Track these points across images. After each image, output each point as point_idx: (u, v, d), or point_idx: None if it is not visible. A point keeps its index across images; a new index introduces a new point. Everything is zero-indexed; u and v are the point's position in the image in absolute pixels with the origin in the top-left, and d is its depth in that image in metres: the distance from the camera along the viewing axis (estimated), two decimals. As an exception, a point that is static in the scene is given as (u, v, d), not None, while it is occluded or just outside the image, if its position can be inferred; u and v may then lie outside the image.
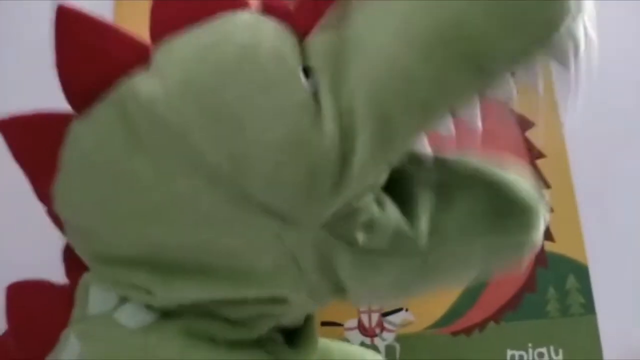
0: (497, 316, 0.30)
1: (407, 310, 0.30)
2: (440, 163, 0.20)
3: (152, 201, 0.18)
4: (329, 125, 0.17)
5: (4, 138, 0.21)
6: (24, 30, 0.35)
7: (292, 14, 0.19)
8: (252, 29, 0.19)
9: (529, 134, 0.34)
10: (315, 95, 0.17)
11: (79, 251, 0.21)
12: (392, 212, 0.19)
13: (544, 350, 0.30)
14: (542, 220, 0.20)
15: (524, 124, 0.34)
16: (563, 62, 0.17)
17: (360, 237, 0.18)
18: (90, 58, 0.19)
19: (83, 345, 0.20)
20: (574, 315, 0.31)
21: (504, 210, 0.20)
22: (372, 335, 0.29)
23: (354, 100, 0.17)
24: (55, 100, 0.28)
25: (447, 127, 0.17)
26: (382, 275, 0.19)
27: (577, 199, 0.32)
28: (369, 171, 0.17)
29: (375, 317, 0.30)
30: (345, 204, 0.18)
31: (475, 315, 0.30)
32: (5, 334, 0.23)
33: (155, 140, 0.18)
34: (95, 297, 0.21)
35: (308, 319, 0.23)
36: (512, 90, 0.17)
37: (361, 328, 0.30)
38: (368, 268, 0.19)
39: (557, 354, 0.30)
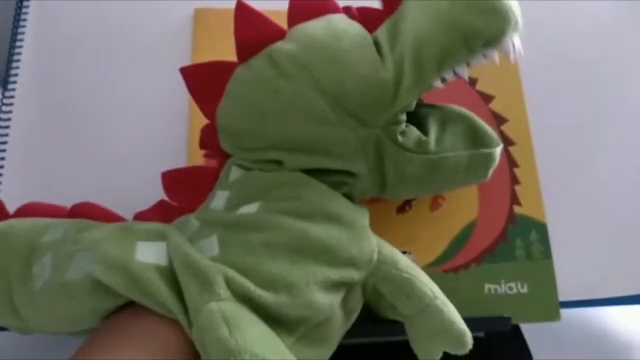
0: (478, 259, 0.38)
1: (411, 253, 0.38)
2: (438, 107, 0.33)
3: (287, 106, 0.29)
4: (389, 68, 0.28)
5: (184, 78, 0.31)
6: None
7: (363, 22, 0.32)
8: (345, 22, 0.31)
9: (503, 127, 0.43)
10: (380, 54, 0.29)
11: (228, 148, 0.32)
12: (414, 128, 0.30)
13: (513, 284, 0.38)
14: (499, 145, 0.33)
15: (499, 119, 0.42)
16: (507, 54, 0.29)
17: (399, 136, 0.29)
18: (253, 32, 0.31)
19: (231, 191, 0.30)
20: (536, 259, 0.39)
21: (476, 135, 0.32)
22: None
23: (403, 54, 0.28)
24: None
25: (450, 77, 0.29)
26: (410, 166, 0.30)
27: (539, 175, 0.41)
28: (410, 94, 0.28)
29: (386, 257, 0.39)
30: (394, 115, 0.29)
31: (461, 258, 0.38)
32: (163, 200, 0.33)
33: (292, 71, 0.29)
34: (236, 171, 0.32)
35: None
36: (482, 62, 0.29)
37: None
38: (402, 160, 0.30)
39: (522, 287, 0.38)
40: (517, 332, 0.42)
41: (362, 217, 0.30)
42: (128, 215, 0.34)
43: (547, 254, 0.39)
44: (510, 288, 0.38)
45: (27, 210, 0.34)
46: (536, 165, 0.41)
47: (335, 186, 0.30)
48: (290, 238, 0.27)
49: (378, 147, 0.30)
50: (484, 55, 0.29)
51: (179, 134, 0.40)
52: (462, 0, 0.28)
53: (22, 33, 0.43)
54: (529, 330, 0.42)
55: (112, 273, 0.25)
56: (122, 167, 0.40)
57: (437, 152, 0.30)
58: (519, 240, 0.39)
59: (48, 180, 0.40)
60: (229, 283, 0.25)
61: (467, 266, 0.38)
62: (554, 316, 0.38)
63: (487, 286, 0.38)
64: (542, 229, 0.40)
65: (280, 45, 0.30)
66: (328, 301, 0.28)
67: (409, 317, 0.32)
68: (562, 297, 0.38)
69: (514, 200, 0.40)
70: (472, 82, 0.43)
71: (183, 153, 0.40)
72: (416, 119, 0.32)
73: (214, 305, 0.23)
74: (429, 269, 0.38)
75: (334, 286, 0.28)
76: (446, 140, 0.31)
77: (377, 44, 0.30)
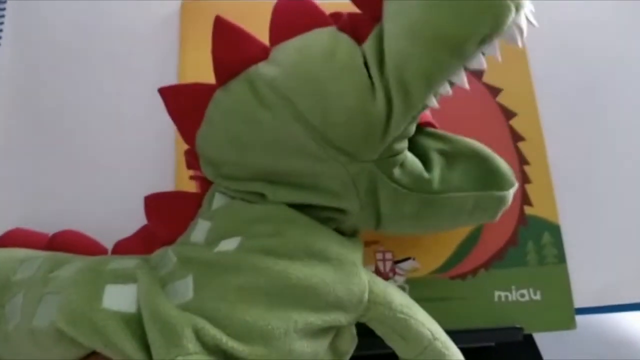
0: (487, 264, 0.36)
1: (414, 259, 0.36)
2: (448, 139, 0.29)
3: (269, 138, 0.27)
4: (380, 98, 0.25)
5: (163, 100, 0.29)
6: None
7: (354, 32, 0.28)
8: (333, 39, 0.27)
9: (512, 121, 0.41)
10: (371, 79, 0.26)
11: (210, 175, 0.30)
12: (416, 162, 0.27)
13: (525, 291, 0.36)
14: (514, 186, 0.29)
15: (508, 113, 0.40)
16: (513, 42, 0.25)
17: (396, 172, 0.27)
18: (232, 52, 0.28)
19: (213, 222, 0.27)
20: (549, 264, 0.36)
21: (489, 175, 0.28)
22: (386, 278, 0.35)
23: (389, 80, 0.24)
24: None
25: (446, 91, 0.25)
26: (407, 204, 0.27)
27: (551, 173, 0.38)
28: (401, 124, 0.25)
29: (388, 264, 0.36)
30: (387, 148, 0.26)
31: (469, 264, 0.36)
32: (144, 227, 0.31)
33: (274, 101, 0.27)
34: (219, 199, 0.30)
35: (354, 234, 0.30)
36: (483, 63, 0.25)
37: (377, 272, 0.36)
38: (399, 197, 0.27)
39: (535, 294, 0.36)
40: (529, 340, 0.40)
41: (351, 251, 0.27)
42: (110, 231, 0.32)
43: (561, 257, 0.37)
44: (522, 295, 0.36)
45: (9, 239, 0.33)
46: (548, 162, 0.39)
47: (322, 222, 0.28)
48: (268, 280, 0.25)
49: (371, 182, 0.27)
50: (483, 53, 0.25)
51: (166, 136, 0.38)
52: (442, 5, 0.24)
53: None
54: (541, 337, 0.40)
55: (75, 323, 0.24)
56: (106, 173, 0.38)
57: (440, 192, 0.27)
58: (531, 243, 0.37)
59: (27, 191, 0.38)
60: (199, 334, 0.23)
61: (475, 272, 0.36)
62: (569, 324, 0.36)
63: (497, 293, 0.36)
64: (555, 230, 0.37)
65: (261, 68, 0.28)
66: (311, 349, 0.25)
67: None
68: (578, 304, 0.36)
69: (525, 200, 0.38)
70: (479, 74, 0.40)
71: (171, 155, 0.38)
72: (421, 150, 0.29)
73: None
74: (434, 275, 0.36)
75: (318, 332, 0.25)
76: (453, 178, 0.28)
77: (366, 63, 0.27)
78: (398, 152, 0.27)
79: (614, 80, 0.42)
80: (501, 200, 0.29)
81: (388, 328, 0.29)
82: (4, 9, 0.41)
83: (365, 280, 0.27)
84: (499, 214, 0.29)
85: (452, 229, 0.30)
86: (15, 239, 0.33)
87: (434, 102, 0.26)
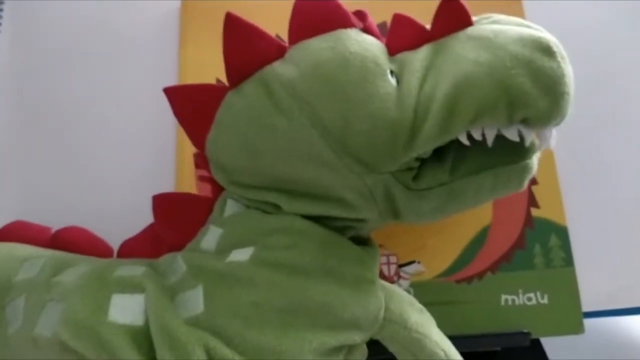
0: (493, 268, 0.35)
1: (419, 262, 0.35)
2: None
3: (284, 146, 0.26)
4: (406, 109, 0.24)
5: (169, 100, 0.28)
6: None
7: (380, 36, 0.28)
8: (358, 41, 0.26)
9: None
10: (397, 87, 0.25)
11: (221, 181, 0.29)
12: (429, 159, 0.26)
13: (532, 295, 0.35)
14: (537, 151, 0.27)
15: None
16: (544, 142, 0.26)
17: (411, 183, 0.26)
18: (246, 51, 0.27)
19: (225, 229, 0.27)
20: (556, 267, 0.36)
21: (506, 148, 0.26)
22: (391, 282, 0.35)
23: (434, 94, 0.24)
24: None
25: (478, 135, 0.25)
26: (425, 202, 0.26)
27: (559, 174, 0.38)
28: (429, 143, 0.24)
29: (393, 267, 0.35)
30: (407, 161, 0.25)
31: (475, 267, 0.35)
32: (151, 226, 0.30)
33: (290, 105, 0.25)
34: (231, 206, 0.29)
35: (370, 237, 0.30)
36: (515, 136, 0.25)
37: (382, 276, 0.34)
38: (416, 199, 0.26)
39: (542, 298, 0.35)
40: (536, 343, 0.39)
41: (369, 267, 0.27)
42: (109, 230, 0.32)
43: (568, 260, 0.36)
44: (529, 299, 0.35)
45: (11, 231, 0.32)
46: (555, 164, 0.38)
47: (340, 230, 0.27)
48: (283, 298, 0.24)
49: (388, 192, 0.26)
50: (519, 132, 0.25)
51: (166, 135, 0.38)
52: (527, 60, 0.23)
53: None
54: (549, 342, 0.39)
55: (80, 337, 0.23)
56: (106, 172, 0.38)
57: (455, 179, 0.26)
58: (538, 246, 0.36)
59: (27, 191, 0.37)
60: (210, 353, 0.22)
61: (481, 275, 0.36)
62: (577, 329, 0.35)
63: (503, 297, 0.35)
64: (562, 233, 0.37)
65: (277, 68, 0.26)
66: None
67: None
68: (586, 308, 0.35)
69: (532, 202, 0.37)
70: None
71: (171, 154, 0.37)
72: None
73: None
74: (439, 279, 0.35)
75: (332, 351, 0.25)
76: (467, 162, 0.26)
77: (398, 69, 0.26)
78: (415, 167, 0.26)
79: (623, 81, 0.42)
80: (524, 170, 0.26)
81: (401, 347, 0.28)
82: (2, 3, 0.41)
83: (381, 298, 0.26)
84: (526, 182, 0.27)
85: (476, 207, 0.29)
86: (16, 232, 0.32)
87: (464, 138, 0.25)
